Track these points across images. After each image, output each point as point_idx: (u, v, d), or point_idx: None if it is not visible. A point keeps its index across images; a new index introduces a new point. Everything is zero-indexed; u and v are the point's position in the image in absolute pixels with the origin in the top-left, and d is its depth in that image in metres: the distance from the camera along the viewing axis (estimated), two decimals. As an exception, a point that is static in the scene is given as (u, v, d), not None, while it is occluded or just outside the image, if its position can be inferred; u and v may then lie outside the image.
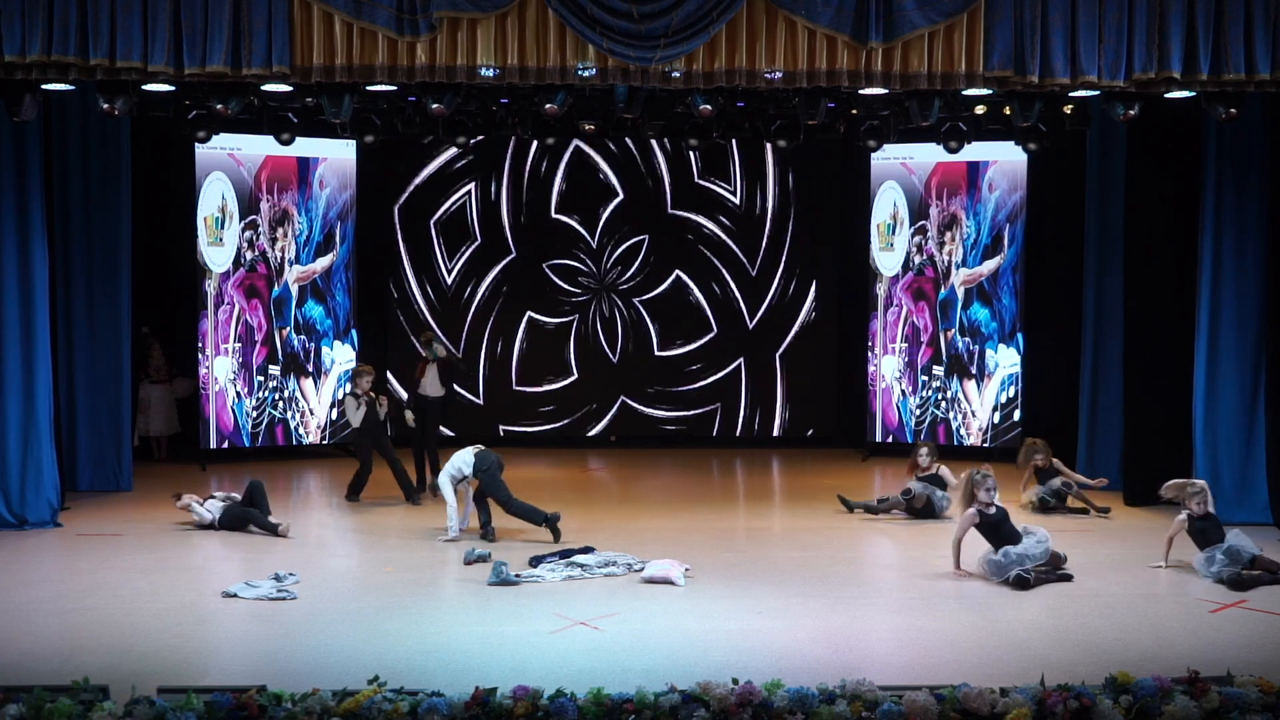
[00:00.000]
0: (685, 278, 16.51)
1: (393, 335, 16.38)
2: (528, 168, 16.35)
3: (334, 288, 15.74)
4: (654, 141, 16.02)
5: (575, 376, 16.38)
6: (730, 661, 7.63)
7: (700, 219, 16.47)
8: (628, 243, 16.46)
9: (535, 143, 15.68)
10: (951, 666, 7.60)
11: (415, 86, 10.49)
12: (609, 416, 16.52)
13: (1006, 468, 14.76)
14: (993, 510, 9.91)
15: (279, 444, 15.36)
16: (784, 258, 16.53)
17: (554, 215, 16.41)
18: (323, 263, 15.61)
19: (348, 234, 15.85)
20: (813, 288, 16.58)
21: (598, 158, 16.35)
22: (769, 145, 15.73)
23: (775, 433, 16.62)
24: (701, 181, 16.45)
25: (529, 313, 16.47)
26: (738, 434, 16.66)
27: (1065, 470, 12.58)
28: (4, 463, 11.51)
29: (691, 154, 16.19)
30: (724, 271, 16.52)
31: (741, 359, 16.63)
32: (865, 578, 10.13)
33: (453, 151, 15.99)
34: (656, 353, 16.59)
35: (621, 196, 16.41)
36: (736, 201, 16.48)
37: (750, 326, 16.60)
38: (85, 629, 8.41)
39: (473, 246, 16.40)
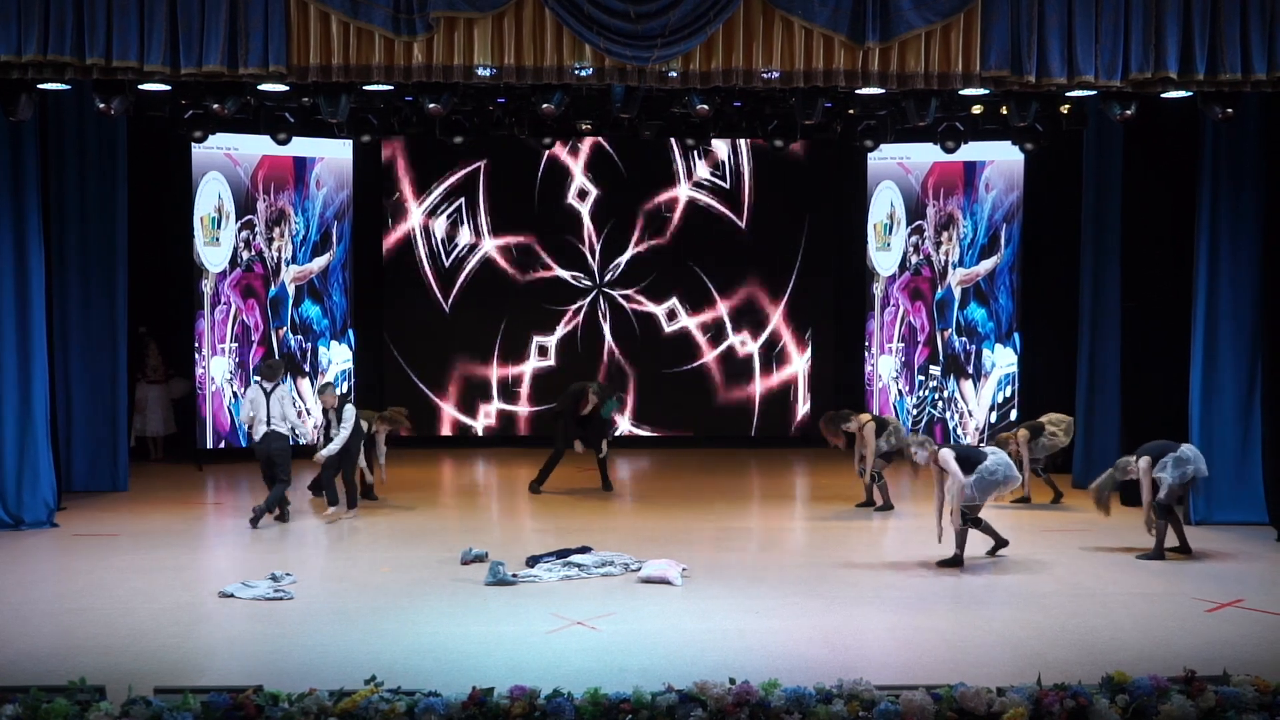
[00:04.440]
0: (682, 277, 16.51)
1: (390, 336, 16.39)
2: (525, 167, 16.35)
3: (331, 288, 15.74)
4: (651, 141, 16.00)
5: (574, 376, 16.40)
6: (727, 661, 7.63)
7: (698, 218, 16.47)
8: (625, 243, 16.46)
9: (532, 142, 15.67)
10: (948, 666, 7.60)
11: (412, 86, 10.49)
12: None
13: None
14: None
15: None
16: (781, 257, 16.53)
17: (551, 215, 16.41)
18: (319, 262, 15.61)
19: (344, 234, 15.85)
20: (810, 287, 16.58)
21: (595, 157, 16.35)
22: (765, 145, 15.75)
23: (773, 432, 16.62)
24: (699, 181, 16.45)
25: (526, 311, 16.47)
26: (735, 434, 16.66)
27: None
28: (0, 463, 11.49)
29: (688, 154, 16.19)
30: (721, 270, 16.51)
31: (739, 358, 16.63)
32: (862, 577, 10.13)
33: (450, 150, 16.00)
34: (654, 352, 16.59)
35: (617, 196, 16.41)
36: (733, 200, 16.48)
37: (747, 325, 16.61)
38: (82, 629, 8.40)
39: (470, 246, 16.40)
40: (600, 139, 15.95)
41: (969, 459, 10.33)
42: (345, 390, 15.77)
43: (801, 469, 15.03)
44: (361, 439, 12.20)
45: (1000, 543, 10.57)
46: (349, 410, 11.89)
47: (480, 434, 16.55)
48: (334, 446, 11.72)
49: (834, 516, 12.44)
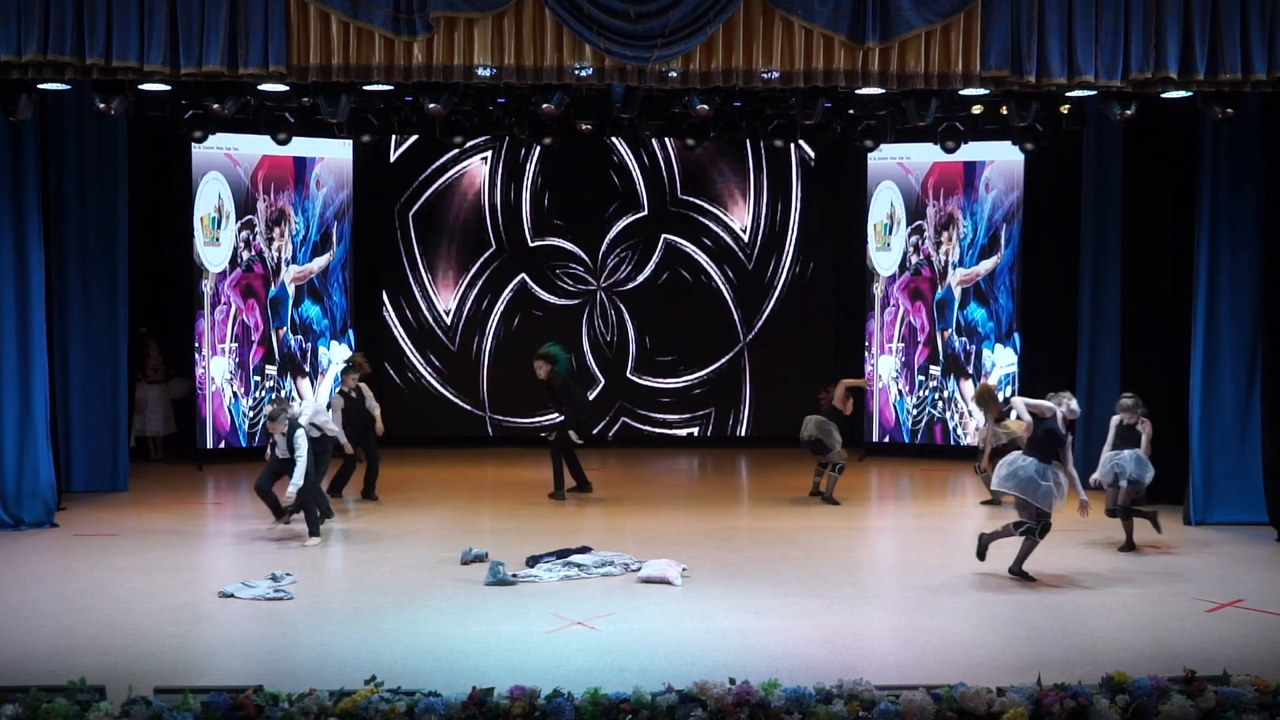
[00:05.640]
0: (683, 277, 16.52)
1: (389, 336, 16.39)
2: (524, 168, 16.36)
3: (331, 287, 15.73)
4: (651, 141, 16.02)
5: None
6: (727, 661, 7.63)
7: (697, 218, 16.48)
8: (625, 242, 16.46)
9: (532, 142, 15.68)
10: (948, 666, 7.60)
11: (412, 86, 10.49)
12: (606, 416, 16.52)
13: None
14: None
15: (276, 444, 15.35)
16: (781, 257, 16.53)
17: (550, 215, 16.41)
18: (319, 262, 15.61)
19: (344, 234, 15.85)
20: (810, 287, 16.58)
21: (595, 157, 16.34)
22: (765, 145, 15.74)
23: (772, 432, 16.61)
24: (698, 181, 16.45)
25: (526, 311, 16.47)
26: (734, 434, 16.67)
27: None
28: (0, 463, 11.49)
29: (688, 153, 16.19)
30: (721, 271, 16.52)
31: (739, 358, 16.63)
32: (862, 578, 10.14)
33: (449, 150, 15.99)
34: (654, 352, 16.59)
35: (617, 196, 16.42)
36: (733, 200, 16.48)
37: (747, 325, 16.61)
38: (82, 629, 8.40)
39: (468, 246, 16.40)
40: (602, 138, 15.94)
41: (1047, 445, 9.72)
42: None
43: (801, 469, 15.01)
44: (320, 458, 11.55)
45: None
46: (300, 437, 10.96)
47: (479, 434, 16.54)
48: (298, 480, 10.85)
49: (833, 517, 12.43)
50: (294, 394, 15.13)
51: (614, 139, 15.96)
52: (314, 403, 12.05)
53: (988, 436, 12.49)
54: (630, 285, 16.52)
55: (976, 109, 12.54)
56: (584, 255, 16.48)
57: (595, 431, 15.33)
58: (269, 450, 11.34)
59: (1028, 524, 9.69)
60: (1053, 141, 13.55)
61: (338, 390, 12.89)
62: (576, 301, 16.52)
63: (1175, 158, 12.12)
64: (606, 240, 16.46)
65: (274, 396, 12.85)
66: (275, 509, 11.33)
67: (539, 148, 15.93)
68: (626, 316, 16.56)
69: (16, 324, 11.51)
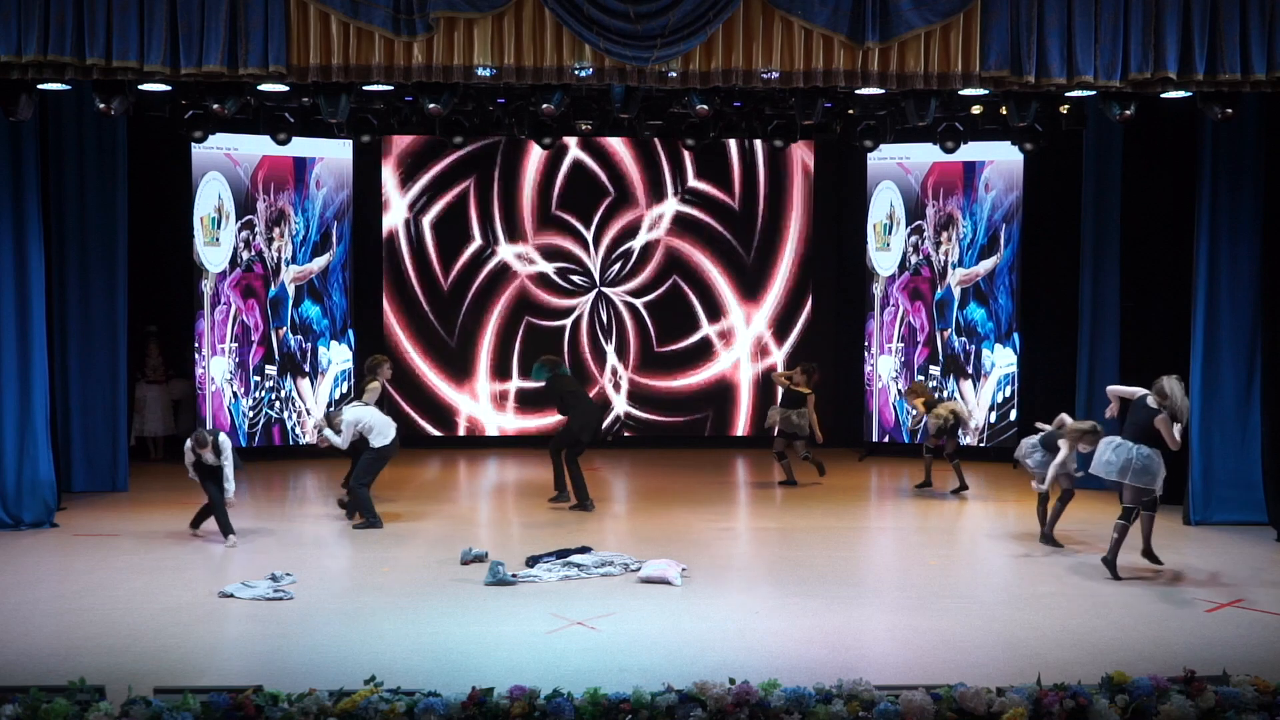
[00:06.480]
0: (682, 277, 16.52)
1: (388, 336, 16.39)
2: (524, 168, 16.36)
3: (330, 288, 15.74)
4: (651, 141, 16.03)
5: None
6: (727, 661, 7.64)
7: (697, 218, 16.49)
8: (624, 242, 16.47)
9: (532, 142, 15.68)
10: (948, 666, 7.61)
11: (412, 86, 10.49)
12: (606, 416, 16.53)
13: (1002, 468, 14.79)
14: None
15: (275, 444, 15.37)
16: (780, 257, 16.54)
17: (551, 215, 16.42)
18: (319, 263, 15.61)
19: (344, 234, 15.85)
20: (809, 287, 16.59)
21: (594, 157, 16.35)
22: (765, 145, 15.75)
23: (772, 432, 16.61)
24: (698, 181, 16.46)
25: (525, 312, 16.48)
26: (734, 433, 16.67)
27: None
28: (0, 463, 11.49)
29: (688, 154, 16.20)
30: (720, 271, 16.53)
31: (738, 358, 16.64)
32: (862, 577, 10.14)
33: (450, 151, 16.00)
34: (654, 352, 16.60)
35: (617, 196, 16.42)
36: (733, 201, 16.49)
37: (746, 326, 16.62)
38: (81, 629, 8.40)
39: (469, 246, 16.40)
40: (599, 138, 15.95)
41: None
42: (345, 390, 15.76)
43: (800, 468, 15.02)
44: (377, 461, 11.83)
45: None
46: (224, 440, 10.91)
47: (479, 434, 16.55)
48: (231, 485, 10.88)
49: (833, 517, 12.43)
50: (311, 412, 15.16)
51: (614, 139, 15.96)
52: (354, 411, 11.90)
53: (930, 421, 13.61)
54: (630, 285, 16.52)
55: (976, 109, 12.55)
56: (584, 255, 16.47)
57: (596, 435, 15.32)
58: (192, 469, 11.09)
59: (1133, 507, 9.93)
60: (1052, 141, 13.56)
61: (381, 382, 12.68)
62: (576, 301, 16.51)
63: (1175, 158, 12.12)
64: (606, 240, 16.46)
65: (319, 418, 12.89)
66: (220, 523, 11.09)
67: (539, 147, 15.92)
68: (626, 316, 16.55)
69: (16, 324, 11.51)
